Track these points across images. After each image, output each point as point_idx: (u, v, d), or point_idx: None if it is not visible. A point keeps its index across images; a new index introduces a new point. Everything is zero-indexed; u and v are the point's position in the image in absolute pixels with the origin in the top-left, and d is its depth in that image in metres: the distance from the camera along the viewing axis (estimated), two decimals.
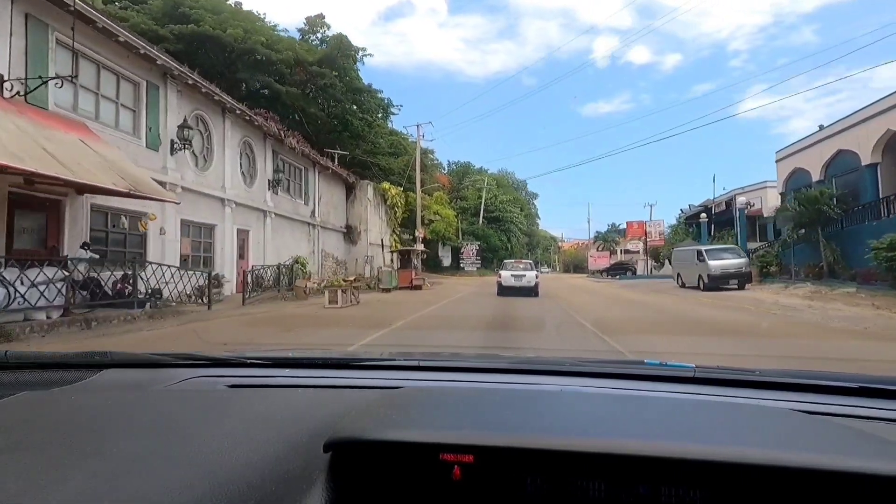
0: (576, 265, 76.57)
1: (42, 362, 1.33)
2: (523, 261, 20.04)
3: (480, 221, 55.43)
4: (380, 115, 36.93)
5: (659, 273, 39.08)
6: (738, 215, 30.88)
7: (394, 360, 1.51)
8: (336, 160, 27.15)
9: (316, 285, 16.25)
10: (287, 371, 1.37)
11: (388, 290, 22.00)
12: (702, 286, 19.38)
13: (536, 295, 16.56)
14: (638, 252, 55.86)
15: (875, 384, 1.10)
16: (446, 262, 49.83)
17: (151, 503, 0.57)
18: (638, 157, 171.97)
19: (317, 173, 22.90)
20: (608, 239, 56.32)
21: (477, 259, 49.89)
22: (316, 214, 22.67)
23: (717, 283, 18.74)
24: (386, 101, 35.59)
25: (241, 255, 16.58)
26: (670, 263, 42.22)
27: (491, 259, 52.65)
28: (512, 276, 17.14)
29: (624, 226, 57.81)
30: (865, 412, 1.00)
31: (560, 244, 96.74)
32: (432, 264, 48.57)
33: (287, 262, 18.62)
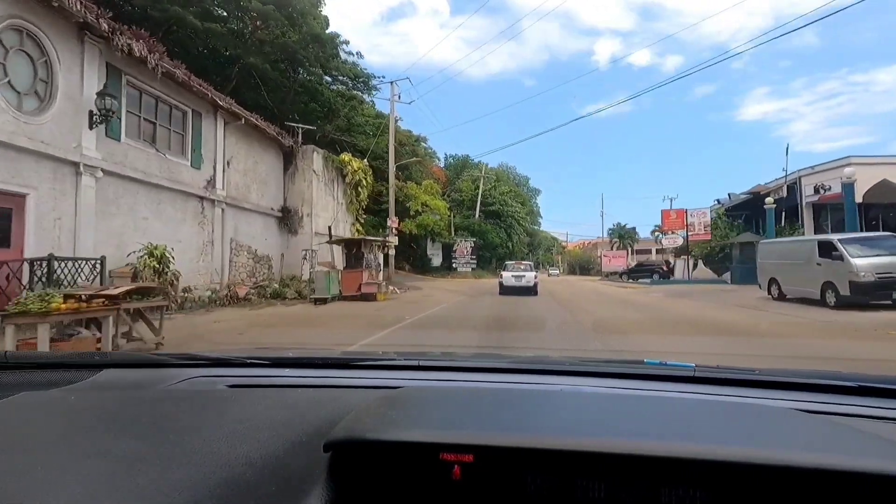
0: (582, 266, 69.54)
1: (41, 362, 1.31)
2: (524, 262, 20.37)
3: (477, 215, 47.86)
4: (360, 87, 29.35)
5: (695, 276, 31.24)
6: (808, 199, 23.21)
7: (394, 359, 1.50)
8: (300, 136, 19.56)
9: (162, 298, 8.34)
10: (287, 371, 1.36)
11: (323, 302, 14.33)
12: (832, 301, 11.54)
13: (535, 294, 17.03)
14: (650, 252, 48.08)
15: (874, 383, 1.10)
16: (436, 260, 42.49)
17: (151, 503, 0.57)
18: (637, 158, 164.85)
19: (220, 123, 15.11)
20: (625, 236, 48.50)
21: (472, 258, 42.66)
22: (217, 185, 14.88)
23: (867, 295, 10.89)
24: (356, 60, 27.80)
25: (3, 240, 8.82)
26: (705, 264, 34.75)
27: (489, 259, 45.08)
28: (513, 276, 17.61)
29: (633, 226, 49.73)
30: (865, 411, 1.00)
31: (563, 244, 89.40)
32: (419, 264, 41.45)
33: (139, 255, 10.92)
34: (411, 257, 41.72)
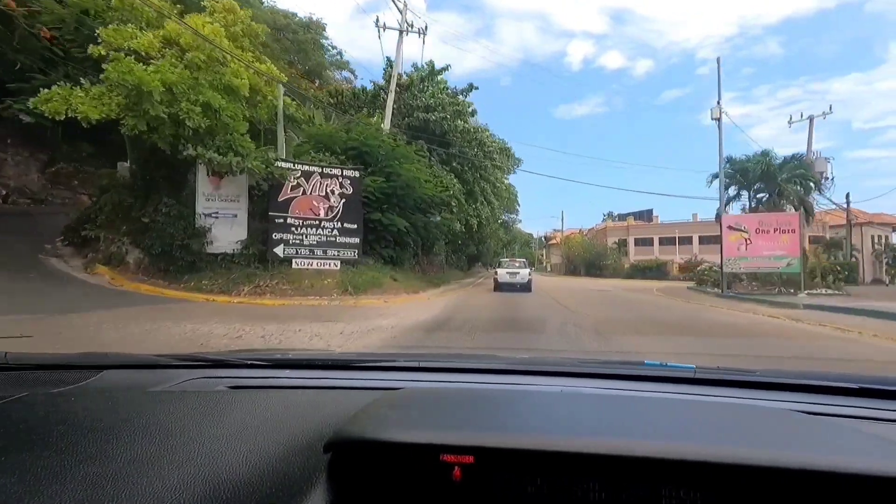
0: (589, 263, 43.88)
1: (42, 364, 1.31)
2: (518, 259, 20.90)
3: (387, 124, 18.46)
4: None
5: None
6: None
7: (394, 360, 1.50)
8: None
9: None
10: (287, 372, 1.37)
11: None
12: None
13: (529, 290, 17.22)
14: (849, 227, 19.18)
15: (875, 384, 1.09)
16: (227, 235, 11.72)
17: None
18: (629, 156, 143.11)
19: None
20: (800, 176, 19.84)
21: (350, 229, 12.32)
22: None
23: None
24: None
25: None
26: None
27: (405, 237, 15.65)
28: (507, 273, 18.08)
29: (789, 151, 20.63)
30: (865, 412, 0.99)
31: (553, 234, 62.84)
32: (170, 245, 11.10)
33: None
34: (153, 223, 11.75)
